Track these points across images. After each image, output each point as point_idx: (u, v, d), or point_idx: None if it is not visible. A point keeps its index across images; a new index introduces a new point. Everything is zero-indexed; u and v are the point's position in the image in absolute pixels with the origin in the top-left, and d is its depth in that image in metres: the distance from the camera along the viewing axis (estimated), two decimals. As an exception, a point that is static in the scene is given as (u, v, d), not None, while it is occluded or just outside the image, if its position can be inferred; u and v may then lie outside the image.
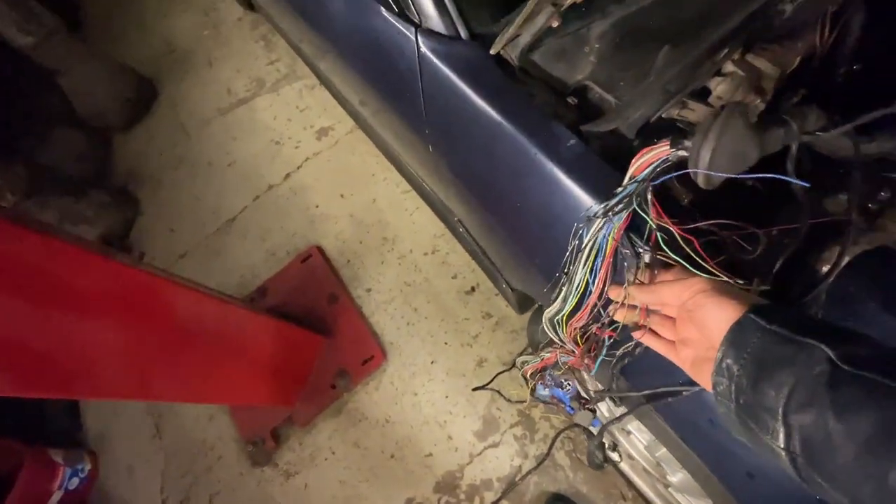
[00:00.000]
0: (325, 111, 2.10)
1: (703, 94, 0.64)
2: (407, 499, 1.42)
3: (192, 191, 2.12)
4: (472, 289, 1.61)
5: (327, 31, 1.14)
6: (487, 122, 0.71)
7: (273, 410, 1.57)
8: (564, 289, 0.63)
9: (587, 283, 0.59)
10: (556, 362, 0.80)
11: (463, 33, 0.74)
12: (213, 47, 2.43)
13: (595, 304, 0.61)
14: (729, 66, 0.63)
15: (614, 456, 1.20)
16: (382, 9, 0.82)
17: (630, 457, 1.14)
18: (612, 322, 0.61)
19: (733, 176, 0.46)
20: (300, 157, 2.03)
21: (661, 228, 0.52)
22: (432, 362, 1.55)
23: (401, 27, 0.80)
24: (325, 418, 1.56)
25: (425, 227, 1.75)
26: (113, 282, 0.95)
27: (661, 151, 0.50)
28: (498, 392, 1.43)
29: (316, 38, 1.23)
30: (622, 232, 0.55)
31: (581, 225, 0.58)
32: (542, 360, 0.83)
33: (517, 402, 1.40)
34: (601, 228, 0.56)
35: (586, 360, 0.69)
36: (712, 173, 0.45)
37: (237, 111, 2.24)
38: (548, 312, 0.67)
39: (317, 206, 1.92)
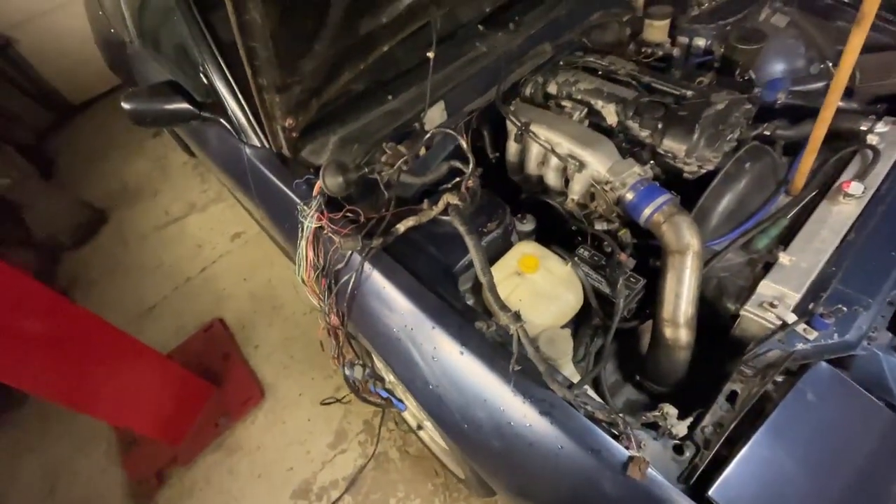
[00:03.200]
0: (240, 221, 2.72)
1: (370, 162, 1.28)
2: (269, 512, 1.65)
3: (123, 288, 2.56)
4: (336, 335, 2.06)
5: (216, 158, 1.80)
6: (272, 183, 1.31)
7: (159, 452, 1.82)
8: (298, 258, 1.16)
9: (304, 248, 1.13)
10: (328, 330, 1.28)
11: (266, 144, 1.38)
12: (159, 182, 3.12)
13: (312, 263, 1.13)
14: (387, 149, 1.28)
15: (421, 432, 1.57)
16: (230, 136, 1.48)
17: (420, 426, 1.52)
18: (325, 275, 1.13)
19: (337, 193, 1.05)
20: (216, 255, 2.58)
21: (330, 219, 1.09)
22: (300, 395, 1.91)
23: (239, 145, 1.45)
24: (206, 455, 1.82)
25: (306, 295, 2.24)
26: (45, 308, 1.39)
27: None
28: (339, 401, 1.79)
29: (214, 165, 1.89)
30: (316, 221, 1.11)
31: (298, 219, 1.14)
32: (323, 330, 1.30)
33: (346, 401, 1.76)
34: (305, 219, 1.12)
35: (328, 308, 1.18)
36: (326, 183, 1.04)
37: (171, 227, 2.83)
38: (297, 274, 1.18)
39: (223, 289, 2.40)
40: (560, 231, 1.30)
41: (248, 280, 2.41)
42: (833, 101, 0.96)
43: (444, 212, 1.12)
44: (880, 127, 1.17)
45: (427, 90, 1.30)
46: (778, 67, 1.56)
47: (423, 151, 1.33)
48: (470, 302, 1.05)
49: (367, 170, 1.12)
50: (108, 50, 2.47)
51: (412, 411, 1.53)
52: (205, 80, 1.46)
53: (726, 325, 1.03)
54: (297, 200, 1.18)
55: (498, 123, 1.58)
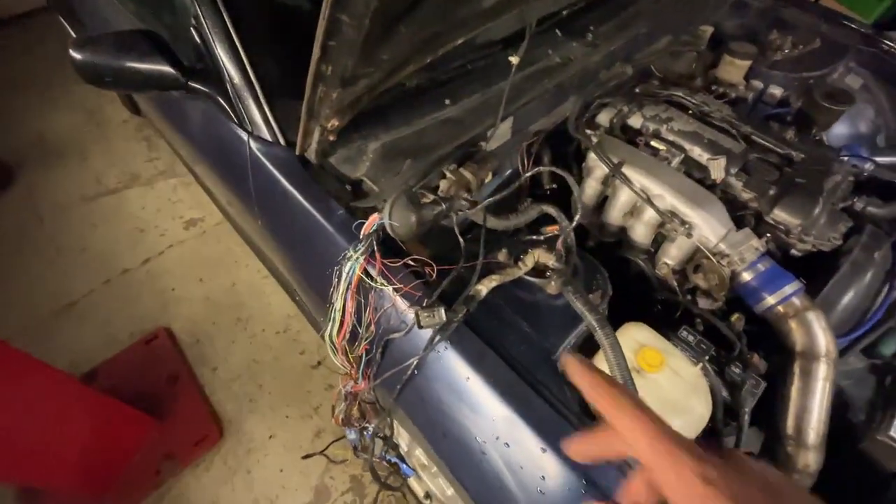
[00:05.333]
0: (197, 205, 2.26)
1: (436, 189, 0.99)
2: None
3: (32, 274, 2.02)
4: (318, 363, 1.74)
5: (192, 137, 1.39)
6: (292, 198, 0.98)
7: (78, 506, 1.41)
8: (330, 311, 0.85)
9: (343, 306, 0.83)
10: (345, 394, 0.98)
11: (281, 140, 1.04)
12: (89, 143, 2.53)
13: (351, 322, 0.83)
14: (448, 174, 1.00)
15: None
16: (227, 120, 1.11)
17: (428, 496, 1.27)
18: (369, 338, 0.83)
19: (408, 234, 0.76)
20: (163, 244, 2.11)
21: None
22: (270, 437, 1.58)
23: (239, 133, 1.08)
24: (142, 510, 1.44)
25: (280, 308, 1.88)
26: None
27: (375, 216, 0.80)
28: (327, 457, 1.49)
29: (185, 143, 1.48)
30: (364, 266, 0.82)
31: (338, 264, 0.84)
32: (337, 392, 1.00)
33: (341, 461, 1.47)
34: (349, 265, 0.82)
35: (355, 374, 0.89)
36: (393, 224, 0.75)
37: (102, 200, 2.29)
38: (326, 332, 0.88)
39: (173, 290, 1.96)
40: (636, 296, 1.10)
41: (205, 281, 1.98)
42: None
43: (533, 272, 0.87)
44: None
45: (503, 100, 1.03)
46: (844, 132, 1.48)
47: (488, 178, 1.07)
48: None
49: (444, 207, 0.83)
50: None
51: (422, 480, 1.28)
52: (196, 38, 1.08)
53: (842, 440, 0.88)
54: (337, 236, 0.88)
55: (558, 149, 1.35)
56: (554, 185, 1.30)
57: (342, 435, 1.55)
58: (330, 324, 0.85)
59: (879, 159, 1.34)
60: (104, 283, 1.98)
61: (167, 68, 1.05)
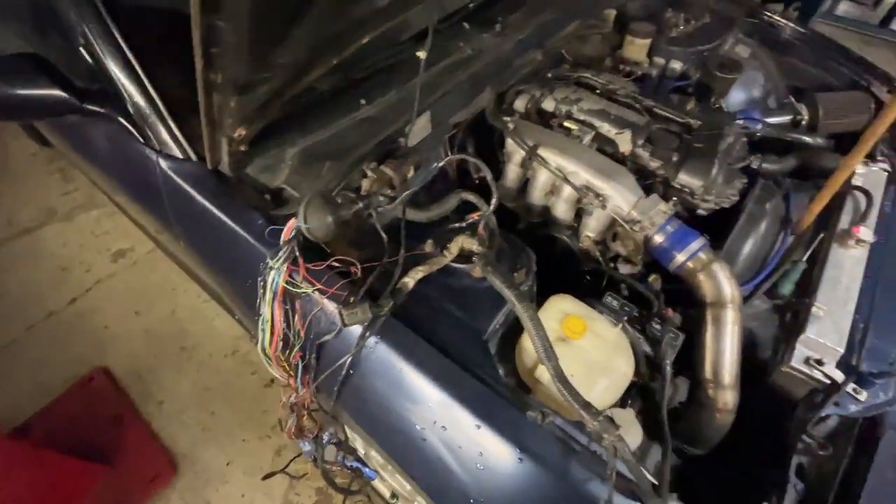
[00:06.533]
0: (125, 235, 2.14)
1: (359, 189, 1.00)
2: None
3: (-60, 331, 1.84)
4: (272, 381, 1.69)
5: (102, 163, 1.32)
6: (210, 214, 0.95)
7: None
8: (259, 323, 0.84)
9: (272, 315, 0.82)
10: (290, 405, 0.97)
11: (192, 155, 1.01)
12: (-5, 181, 2.34)
13: (281, 331, 0.82)
14: (369, 172, 1.01)
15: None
16: (133, 140, 1.06)
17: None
18: (300, 344, 0.83)
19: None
20: (90, 281, 1.98)
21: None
22: (228, 464, 1.52)
23: (147, 153, 1.04)
24: (95, 563, 1.36)
25: (227, 330, 1.82)
26: None
27: (293, 221, 0.80)
28: (288, 474, 1.46)
29: (96, 170, 1.40)
30: (288, 273, 0.81)
31: (261, 274, 0.82)
32: (282, 405, 0.98)
33: (302, 476, 1.45)
34: (272, 274, 0.81)
35: (294, 384, 0.88)
36: (310, 227, 0.75)
37: (17, 241, 2.13)
38: (258, 344, 0.86)
39: (106, 327, 1.85)
40: (563, 271, 1.15)
41: (141, 313, 1.88)
42: (862, 150, 0.94)
43: (459, 258, 0.89)
44: (860, 169, 1.21)
45: (416, 96, 1.04)
46: (740, 97, 1.60)
47: (410, 173, 1.08)
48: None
49: (361, 205, 0.84)
50: None
51: (386, 480, 1.28)
52: (88, 59, 1.03)
53: (756, 377, 0.97)
54: (258, 246, 0.86)
55: (482, 138, 1.38)
56: (482, 175, 1.33)
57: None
58: (261, 335, 0.84)
59: (770, 120, 1.47)
60: (27, 329, 1.84)
61: (58, 92, 0.99)
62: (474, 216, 0.95)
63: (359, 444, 1.19)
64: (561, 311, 0.87)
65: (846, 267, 1.02)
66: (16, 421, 1.59)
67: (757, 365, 0.97)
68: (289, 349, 0.84)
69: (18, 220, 2.19)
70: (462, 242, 0.89)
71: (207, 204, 0.96)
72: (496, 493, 0.69)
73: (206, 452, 1.55)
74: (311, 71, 0.91)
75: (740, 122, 1.34)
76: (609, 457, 0.62)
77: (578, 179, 1.07)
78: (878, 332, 0.93)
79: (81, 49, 1.02)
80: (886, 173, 1.22)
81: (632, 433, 0.76)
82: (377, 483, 1.35)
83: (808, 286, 1.01)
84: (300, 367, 0.86)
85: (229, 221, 0.93)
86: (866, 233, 1.03)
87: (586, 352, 0.82)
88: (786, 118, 1.48)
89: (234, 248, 0.92)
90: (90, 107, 1.03)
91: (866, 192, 1.14)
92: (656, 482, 0.67)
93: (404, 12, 0.98)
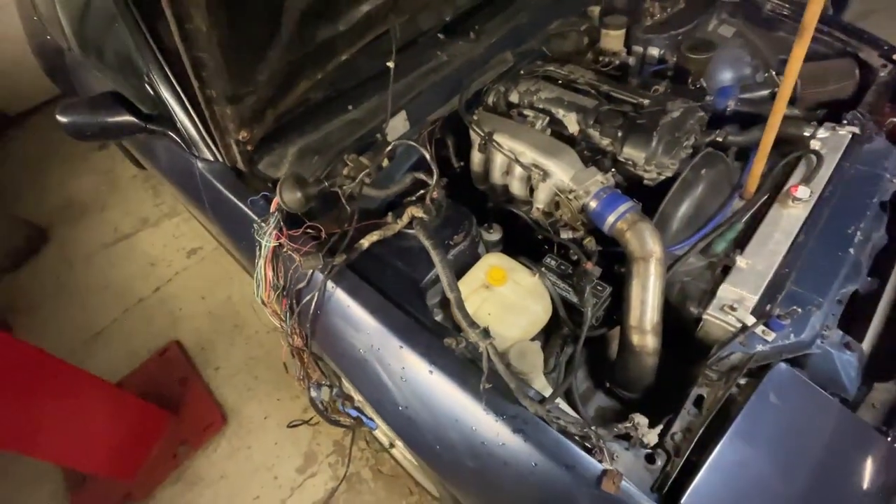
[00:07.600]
0: (197, 236, 2.59)
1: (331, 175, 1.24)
2: (234, 548, 1.56)
3: (67, 313, 2.38)
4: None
5: (169, 175, 1.70)
6: (227, 199, 1.24)
7: (112, 489, 1.69)
8: (256, 275, 1.10)
9: (263, 268, 1.07)
10: (291, 351, 1.22)
11: (220, 158, 1.31)
12: (106, 197, 2.94)
13: (273, 282, 1.08)
14: (349, 162, 1.24)
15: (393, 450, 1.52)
16: (181, 150, 1.40)
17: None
18: (282, 290, 1.07)
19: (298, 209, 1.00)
20: (170, 273, 2.44)
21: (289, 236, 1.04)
22: (265, 418, 1.82)
23: (189, 158, 1.37)
24: (164, 488, 1.71)
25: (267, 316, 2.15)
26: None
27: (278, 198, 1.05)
28: (311, 425, 1.71)
29: (168, 181, 1.79)
30: (276, 238, 1.06)
31: (256, 236, 1.08)
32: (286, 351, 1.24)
33: (314, 422, 1.69)
34: (263, 237, 1.06)
35: (283, 325, 1.13)
36: (284, 200, 0.99)
37: (120, 244, 2.66)
38: (256, 294, 1.12)
39: (180, 309, 2.27)
40: (527, 240, 1.29)
41: (206, 298, 2.29)
42: (780, 109, 0.99)
43: (410, 225, 1.09)
44: (821, 133, 1.23)
45: (388, 100, 1.27)
46: (727, 76, 1.63)
47: (385, 163, 1.31)
48: (439, 318, 1.02)
49: (326, 183, 1.08)
50: (44, 57, 2.31)
51: (383, 429, 1.49)
52: (150, 91, 1.38)
53: (691, 329, 1.05)
54: (254, 217, 1.13)
55: (462, 132, 1.57)
56: (462, 164, 1.52)
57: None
58: (256, 287, 1.10)
59: (746, 95, 1.50)
60: (124, 311, 2.32)
61: (129, 118, 1.34)
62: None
63: (354, 392, 1.41)
64: (490, 264, 1.03)
65: (781, 224, 1.07)
66: (114, 378, 2.02)
67: (687, 317, 1.05)
68: (276, 296, 1.09)
69: (122, 228, 2.74)
70: (412, 211, 1.09)
71: (227, 193, 1.25)
72: (414, 399, 0.88)
73: (249, 408, 1.86)
74: (296, 83, 1.17)
75: (709, 98, 1.40)
76: (484, 359, 0.78)
77: (526, 158, 1.22)
78: (800, 281, 0.97)
79: (146, 84, 1.38)
80: (851, 135, 1.22)
81: (535, 360, 0.89)
82: (377, 433, 1.56)
83: (745, 244, 1.07)
84: (287, 311, 1.10)
85: (239, 203, 1.21)
86: (804, 191, 1.07)
87: (506, 297, 0.98)
88: (766, 92, 1.50)
89: (242, 222, 1.20)
90: (152, 127, 1.38)
91: (817, 154, 1.16)
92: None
93: (369, 34, 1.21)
